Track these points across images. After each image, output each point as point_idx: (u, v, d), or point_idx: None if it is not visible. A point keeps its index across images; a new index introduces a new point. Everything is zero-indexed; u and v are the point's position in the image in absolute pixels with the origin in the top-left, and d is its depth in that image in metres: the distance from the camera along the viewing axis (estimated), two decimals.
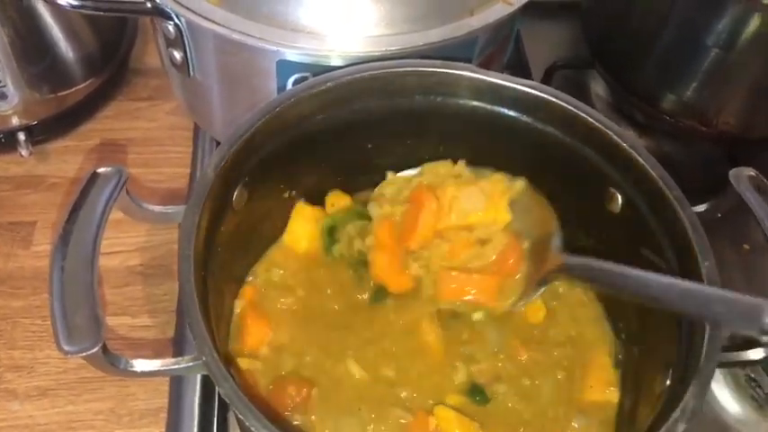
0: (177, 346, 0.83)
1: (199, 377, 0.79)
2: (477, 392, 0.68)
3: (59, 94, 0.97)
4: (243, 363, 0.66)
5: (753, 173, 0.66)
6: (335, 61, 0.74)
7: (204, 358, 0.51)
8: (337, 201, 0.79)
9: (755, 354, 0.60)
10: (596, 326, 0.75)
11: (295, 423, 0.65)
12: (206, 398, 0.78)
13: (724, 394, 0.82)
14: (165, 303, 0.88)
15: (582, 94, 1.12)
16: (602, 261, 0.61)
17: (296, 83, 0.76)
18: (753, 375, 0.82)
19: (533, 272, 0.71)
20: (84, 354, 0.50)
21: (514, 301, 0.71)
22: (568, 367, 0.71)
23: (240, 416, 0.49)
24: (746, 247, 0.97)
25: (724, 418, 0.80)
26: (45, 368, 0.82)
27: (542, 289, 0.70)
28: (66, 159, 1.01)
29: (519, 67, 1.12)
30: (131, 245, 0.93)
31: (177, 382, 0.80)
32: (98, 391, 0.81)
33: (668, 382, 0.58)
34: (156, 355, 0.84)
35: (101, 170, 0.59)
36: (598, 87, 1.13)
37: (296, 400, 0.66)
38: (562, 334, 0.74)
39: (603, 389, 0.70)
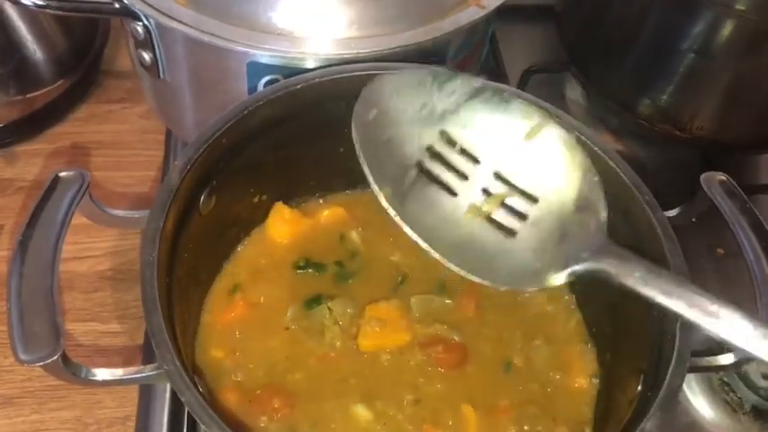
0: (147, 353, 0.81)
1: (168, 386, 0.78)
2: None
3: (28, 95, 0.96)
4: (210, 372, 0.65)
5: (723, 177, 0.66)
6: (307, 63, 0.73)
7: (166, 367, 0.50)
8: None
9: (726, 359, 0.60)
10: (572, 329, 0.74)
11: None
12: (175, 405, 0.77)
13: (698, 399, 0.82)
14: (134, 309, 0.87)
15: (557, 98, 1.12)
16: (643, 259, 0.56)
17: (267, 85, 0.75)
18: (726, 380, 0.82)
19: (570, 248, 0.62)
20: (42, 363, 0.49)
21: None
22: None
23: (204, 426, 0.48)
24: (721, 251, 0.97)
25: (699, 422, 0.80)
26: (9, 376, 0.80)
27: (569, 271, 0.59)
28: (35, 162, 0.99)
29: (495, 71, 1.11)
30: (101, 249, 0.92)
31: (146, 390, 0.78)
32: (64, 399, 0.79)
33: (640, 388, 0.58)
34: (126, 362, 0.83)
35: (62, 173, 0.58)
36: (574, 92, 1.13)
37: (275, 409, 0.65)
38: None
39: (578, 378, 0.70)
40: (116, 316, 0.86)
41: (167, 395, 0.77)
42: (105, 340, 0.84)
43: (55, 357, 0.49)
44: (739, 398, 0.81)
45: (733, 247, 0.96)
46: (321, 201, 0.82)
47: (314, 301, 0.73)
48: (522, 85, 1.08)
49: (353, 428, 0.66)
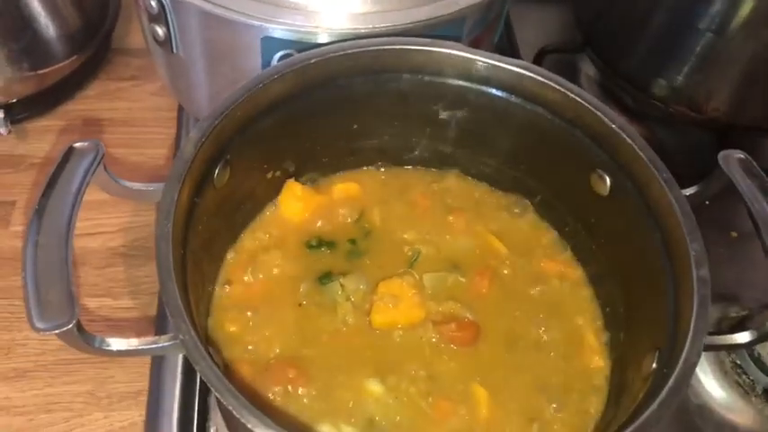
0: (159, 328, 0.82)
1: (180, 359, 0.78)
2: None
3: (40, 71, 0.95)
4: (223, 346, 0.65)
5: (742, 155, 0.65)
6: (321, 38, 0.72)
7: (182, 336, 0.50)
8: None
9: (742, 337, 0.59)
10: (585, 308, 0.74)
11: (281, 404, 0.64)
12: (187, 380, 0.77)
13: (710, 381, 0.81)
14: (146, 285, 0.87)
15: (572, 78, 1.10)
16: None
17: (281, 60, 0.74)
18: (738, 362, 0.82)
19: None
20: (58, 331, 0.49)
21: None
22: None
23: (218, 395, 0.48)
24: (734, 234, 0.97)
25: (710, 404, 0.80)
26: (23, 349, 0.80)
27: None
28: (47, 139, 0.99)
29: (509, 51, 1.10)
30: (113, 226, 0.92)
31: (158, 365, 0.78)
32: (77, 373, 0.79)
33: (654, 365, 0.58)
34: (138, 336, 0.82)
35: (77, 144, 0.58)
36: (589, 72, 1.12)
37: (288, 381, 0.65)
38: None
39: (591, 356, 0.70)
40: (128, 292, 0.86)
41: (179, 370, 0.78)
42: (118, 315, 0.84)
43: (70, 326, 0.49)
44: (751, 380, 0.80)
45: (747, 231, 0.97)
46: (334, 178, 0.81)
47: (326, 276, 0.73)
48: (536, 64, 1.07)
49: (365, 402, 0.66)
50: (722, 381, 0.81)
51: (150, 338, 0.53)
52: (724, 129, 0.98)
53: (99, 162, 0.58)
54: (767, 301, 0.86)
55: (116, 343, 0.53)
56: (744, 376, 0.81)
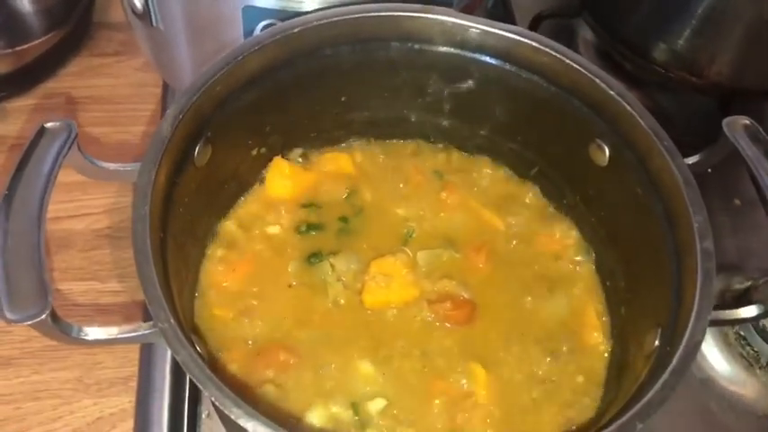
0: (147, 312, 0.79)
1: None
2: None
3: (17, 48, 0.93)
4: (212, 331, 0.63)
5: (748, 121, 0.62)
6: (305, 6, 0.70)
7: (161, 325, 0.48)
8: None
9: (747, 312, 0.57)
10: (584, 283, 0.72)
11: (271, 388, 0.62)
12: (177, 365, 0.74)
13: (713, 353, 0.80)
14: (133, 268, 0.84)
15: (569, 44, 1.07)
16: None
17: (264, 30, 0.71)
18: (742, 333, 0.80)
19: None
20: (31, 322, 0.46)
21: None
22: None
23: (199, 385, 0.46)
24: (737, 202, 0.95)
25: (713, 376, 0.79)
26: (8, 337, 0.78)
27: None
28: (28, 119, 0.96)
29: (504, 17, 1.07)
30: (98, 207, 0.89)
31: (147, 349, 0.77)
32: (65, 360, 0.77)
33: (657, 343, 0.56)
34: (127, 321, 0.81)
35: (48, 125, 0.55)
36: (586, 38, 1.09)
37: (281, 363, 0.64)
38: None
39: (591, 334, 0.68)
40: (115, 275, 0.84)
41: (168, 355, 0.76)
42: (105, 299, 0.82)
43: (43, 316, 0.46)
44: (756, 351, 0.79)
45: (750, 198, 0.95)
46: (323, 153, 0.78)
47: (315, 256, 0.71)
48: (532, 30, 1.03)
49: (358, 384, 0.64)
50: (726, 353, 0.80)
51: (129, 326, 0.51)
52: (726, 94, 0.96)
53: (72, 142, 0.55)
54: None
55: (94, 332, 0.51)
56: (748, 348, 0.79)
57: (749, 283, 0.83)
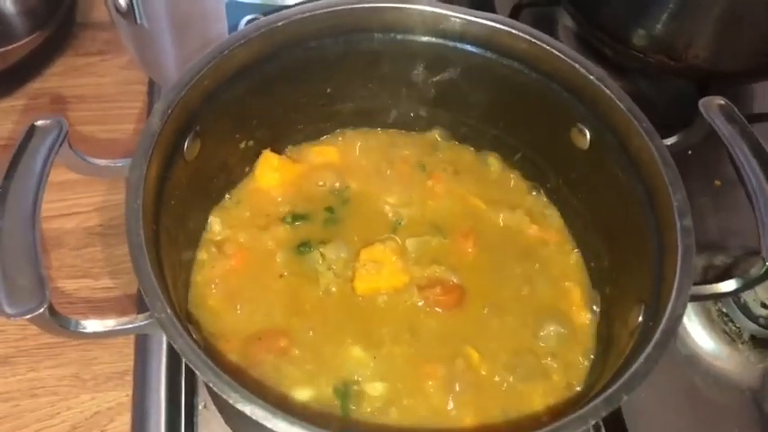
0: (141, 306, 0.80)
1: (164, 336, 0.76)
2: None
3: (1, 50, 0.92)
4: (205, 322, 0.64)
5: (722, 101, 0.64)
6: (288, 0, 0.70)
7: (157, 315, 0.49)
8: None
9: (727, 286, 0.58)
10: (569, 264, 0.74)
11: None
12: (173, 357, 0.76)
13: (697, 330, 0.82)
14: (126, 264, 0.84)
15: (550, 32, 1.07)
16: None
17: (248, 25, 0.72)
18: (725, 310, 0.82)
19: None
20: (30, 315, 0.47)
21: None
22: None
23: (198, 372, 0.47)
24: (717, 183, 0.96)
25: (697, 353, 0.80)
26: (3, 336, 0.79)
27: None
28: (14, 119, 0.96)
29: (484, 5, 1.07)
30: (88, 205, 0.90)
31: (142, 343, 0.77)
32: (60, 357, 0.78)
33: (641, 319, 0.57)
34: (120, 316, 0.81)
35: (39, 122, 0.56)
36: (567, 25, 1.10)
37: (273, 350, 0.65)
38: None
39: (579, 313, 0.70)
40: (108, 272, 0.85)
41: (164, 348, 0.76)
42: (98, 296, 0.83)
43: (42, 310, 0.47)
44: (738, 327, 0.81)
45: (730, 178, 0.96)
46: (310, 145, 0.79)
47: (304, 245, 0.72)
48: (512, 18, 1.04)
49: (352, 370, 0.65)
50: (709, 329, 0.82)
51: (126, 318, 0.52)
52: (704, 77, 0.97)
53: (63, 139, 0.56)
54: (752, 248, 0.86)
55: (91, 324, 0.51)
56: (730, 324, 0.81)
57: (731, 260, 0.85)
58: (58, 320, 0.50)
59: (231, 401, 0.46)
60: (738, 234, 0.90)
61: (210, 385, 0.46)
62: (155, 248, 0.54)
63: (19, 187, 0.52)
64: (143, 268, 0.50)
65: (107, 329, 0.52)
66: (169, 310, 0.49)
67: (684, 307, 0.53)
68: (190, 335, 0.50)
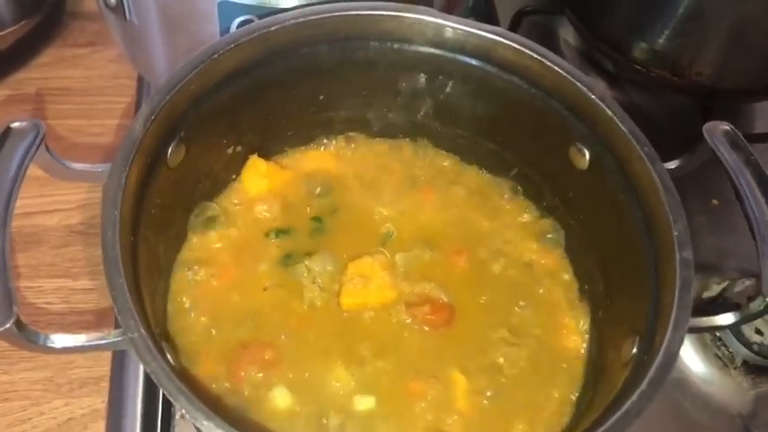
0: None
1: None
2: None
3: None
4: (185, 336, 0.61)
5: (727, 127, 0.62)
6: (283, 3, 0.68)
7: (130, 335, 0.47)
8: None
9: (725, 319, 0.57)
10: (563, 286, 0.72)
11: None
12: None
13: (689, 353, 0.80)
14: None
15: (551, 42, 1.07)
16: None
17: (240, 27, 0.70)
18: (718, 334, 0.80)
19: None
20: None
21: None
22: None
23: (170, 398, 0.45)
24: (715, 202, 0.95)
25: (688, 376, 0.79)
26: None
27: None
28: None
29: (485, 13, 1.06)
30: (71, 203, 0.87)
31: (120, 350, 0.75)
32: (35, 360, 0.76)
33: (635, 351, 0.55)
34: (100, 319, 0.80)
35: (15, 125, 0.53)
36: (567, 37, 1.08)
37: (254, 365, 0.63)
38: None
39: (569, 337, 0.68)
40: (88, 272, 0.83)
41: None
42: (76, 297, 0.81)
43: (8, 325, 0.45)
44: (731, 352, 0.79)
45: (728, 198, 0.95)
46: (300, 151, 0.77)
47: (288, 257, 0.70)
48: (513, 28, 1.03)
49: (334, 387, 0.63)
50: (701, 353, 0.80)
51: (98, 334, 0.50)
52: (706, 94, 0.95)
53: (40, 143, 0.53)
54: (748, 271, 0.84)
55: (61, 339, 0.49)
56: (723, 348, 0.80)
57: (726, 283, 0.83)
58: (26, 335, 0.48)
59: (204, 430, 0.44)
60: (734, 255, 0.89)
61: (183, 411, 0.44)
62: (132, 261, 0.52)
63: None
64: (118, 286, 0.48)
65: (77, 345, 0.50)
66: (143, 330, 0.47)
67: (681, 342, 0.51)
68: (164, 356, 0.47)
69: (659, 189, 0.58)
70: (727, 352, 0.79)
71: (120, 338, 0.49)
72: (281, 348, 0.65)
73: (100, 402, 0.74)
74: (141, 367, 0.74)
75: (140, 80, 0.98)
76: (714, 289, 0.83)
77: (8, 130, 0.53)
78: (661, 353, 0.50)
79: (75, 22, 1.04)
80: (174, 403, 0.45)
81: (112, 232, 0.50)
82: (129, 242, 0.53)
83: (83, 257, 0.84)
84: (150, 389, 0.73)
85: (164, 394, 0.72)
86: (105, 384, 0.75)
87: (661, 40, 0.90)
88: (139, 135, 0.55)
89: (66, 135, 0.93)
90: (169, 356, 0.53)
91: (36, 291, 0.80)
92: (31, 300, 0.79)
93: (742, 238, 0.90)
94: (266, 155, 0.75)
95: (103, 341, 0.49)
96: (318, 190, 0.75)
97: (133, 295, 0.49)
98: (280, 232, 0.72)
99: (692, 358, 0.80)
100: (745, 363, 0.79)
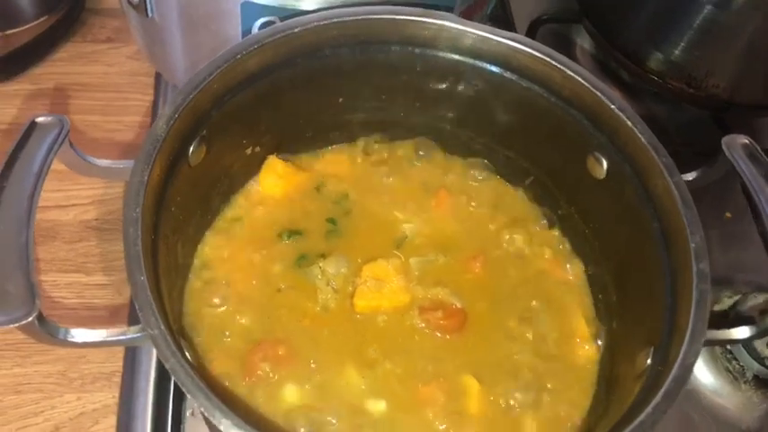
0: (134, 309, 0.78)
1: None
2: None
3: (7, 32, 0.91)
4: (199, 333, 0.62)
5: (746, 141, 0.62)
6: (305, 4, 0.69)
7: (151, 331, 0.47)
8: None
9: (740, 332, 0.57)
10: (576, 294, 0.72)
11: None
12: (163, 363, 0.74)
13: (699, 365, 0.80)
14: (121, 261, 0.78)
15: (567, 51, 1.07)
16: None
17: (262, 27, 0.70)
18: (729, 347, 0.80)
19: None
20: (17, 324, 0.45)
21: None
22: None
23: (188, 394, 0.45)
24: (728, 215, 0.95)
25: (698, 388, 0.79)
26: None
27: None
28: (15, 104, 0.94)
29: (502, 20, 1.06)
30: (86, 198, 0.88)
31: (133, 346, 0.75)
32: (48, 353, 0.76)
33: (649, 362, 0.55)
34: (113, 315, 0.80)
35: (40, 119, 0.54)
36: (584, 44, 1.08)
37: (269, 361, 0.63)
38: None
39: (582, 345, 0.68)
40: (102, 267, 0.83)
41: (154, 351, 0.74)
42: (90, 292, 0.81)
43: (30, 318, 0.45)
44: (741, 366, 0.79)
45: (741, 210, 0.95)
46: (318, 153, 0.77)
47: (303, 258, 0.70)
48: (529, 35, 1.03)
49: (347, 390, 0.63)
50: (711, 365, 0.80)
51: (118, 330, 0.50)
52: (722, 107, 0.95)
53: (64, 138, 0.54)
54: (760, 284, 0.84)
55: (81, 334, 0.50)
56: (734, 362, 0.79)
57: (738, 296, 0.83)
58: (46, 329, 0.48)
59: (222, 428, 0.44)
60: (746, 268, 0.89)
61: (201, 409, 0.44)
62: (152, 259, 0.52)
63: (14, 187, 0.50)
64: (139, 283, 0.48)
65: (97, 340, 0.50)
66: (162, 327, 0.48)
67: (697, 355, 0.51)
68: (182, 352, 0.48)
69: (677, 201, 0.58)
70: (737, 366, 0.79)
71: (140, 334, 0.49)
72: (294, 348, 0.65)
73: (111, 398, 0.74)
74: (153, 364, 0.74)
75: (158, 78, 0.98)
76: (725, 302, 0.83)
77: (33, 124, 0.53)
78: (676, 365, 0.50)
79: (95, 17, 1.05)
80: (192, 400, 0.45)
81: (134, 229, 0.50)
82: (150, 240, 0.53)
83: (97, 253, 0.84)
84: (161, 385, 0.73)
85: (175, 391, 0.73)
86: (117, 380, 0.75)
87: (678, 52, 0.90)
88: (162, 133, 0.55)
89: (84, 130, 0.93)
90: (187, 354, 0.53)
91: (50, 285, 0.81)
92: (44, 295, 0.80)
93: (754, 252, 0.91)
94: (284, 155, 0.75)
95: (123, 336, 0.49)
96: (334, 192, 0.75)
97: (153, 292, 0.49)
98: (295, 233, 0.72)
99: (702, 371, 0.80)
100: (755, 377, 0.78)
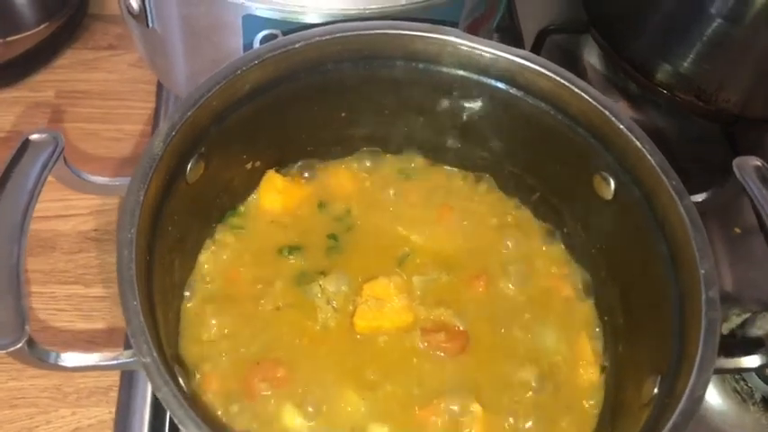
0: None
1: None
2: None
3: (8, 39, 0.91)
4: (196, 355, 0.61)
5: (759, 163, 0.60)
6: (308, 18, 0.67)
7: (143, 359, 0.46)
8: None
9: (751, 361, 0.55)
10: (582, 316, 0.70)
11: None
12: None
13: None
14: None
15: (574, 62, 1.06)
16: None
17: (264, 41, 0.69)
18: None
19: None
20: (6, 351, 0.44)
21: None
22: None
23: (180, 426, 0.44)
24: (737, 230, 0.93)
25: (705, 409, 0.77)
26: None
27: None
28: (15, 111, 0.93)
29: (509, 30, 1.04)
30: (86, 208, 0.87)
31: None
32: None
33: (656, 391, 0.54)
34: (110, 328, 0.79)
35: (33, 137, 0.52)
36: (592, 55, 1.07)
37: (266, 382, 0.62)
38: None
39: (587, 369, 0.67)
40: (101, 279, 0.82)
41: None
42: (89, 305, 0.80)
43: (19, 345, 0.44)
44: (750, 387, 0.77)
45: (751, 227, 0.93)
46: (319, 168, 0.76)
47: (302, 276, 0.68)
48: (536, 46, 1.01)
49: (347, 412, 0.62)
50: (720, 387, 0.78)
51: (110, 354, 0.49)
52: (732, 121, 0.94)
53: (58, 156, 0.53)
54: None
55: (72, 358, 0.49)
56: (742, 383, 0.78)
57: (747, 315, 0.81)
58: (36, 354, 0.47)
59: None
60: (755, 286, 0.88)
61: None
62: (147, 281, 0.51)
63: (6, 206, 0.49)
64: (132, 308, 0.47)
65: (89, 364, 0.49)
66: (155, 353, 0.46)
67: (706, 386, 0.50)
68: (175, 380, 0.47)
69: (686, 224, 0.56)
70: (746, 387, 0.78)
71: (132, 359, 0.48)
72: (293, 369, 0.63)
73: (107, 413, 0.73)
74: None
75: (160, 86, 0.97)
76: (734, 320, 0.81)
77: (27, 142, 0.52)
78: (684, 398, 0.49)
79: (97, 24, 1.04)
80: (183, 430, 0.44)
81: (129, 251, 0.49)
82: (145, 262, 0.52)
83: (96, 264, 0.83)
84: (159, 402, 0.72)
85: None
86: (113, 395, 0.74)
87: (687, 64, 0.88)
88: (159, 151, 0.54)
89: (84, 138, 0.92)
90: (181, 380, 0.52)
91: (48, 297, 0.80)
92: (42, 306, 0.79)
93: (764, 269, 0.89)
94: (284, 170, 0.74)
95: (115, 361, 0.48)
96: (336, 207, 0.74)
97: (147, 317, 0.48)
98: (295, 249, 0.71)
99: (709, 391, 0.76)
100: (764, 399, 0.77)
